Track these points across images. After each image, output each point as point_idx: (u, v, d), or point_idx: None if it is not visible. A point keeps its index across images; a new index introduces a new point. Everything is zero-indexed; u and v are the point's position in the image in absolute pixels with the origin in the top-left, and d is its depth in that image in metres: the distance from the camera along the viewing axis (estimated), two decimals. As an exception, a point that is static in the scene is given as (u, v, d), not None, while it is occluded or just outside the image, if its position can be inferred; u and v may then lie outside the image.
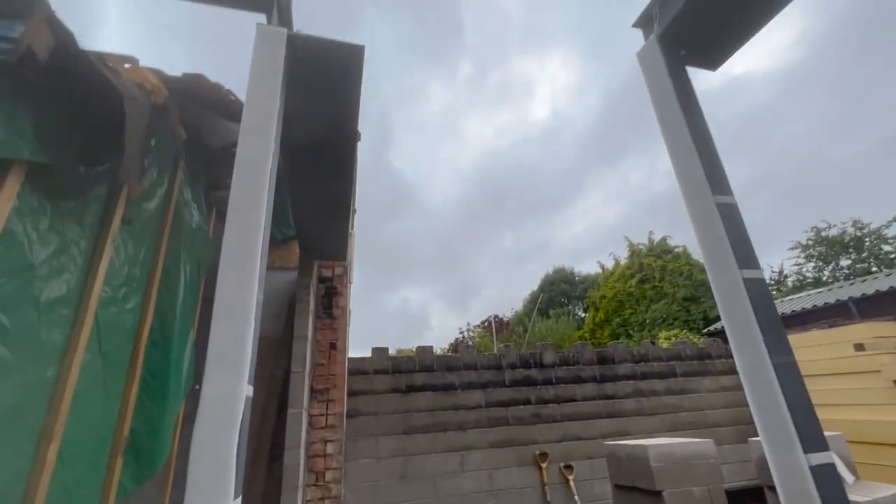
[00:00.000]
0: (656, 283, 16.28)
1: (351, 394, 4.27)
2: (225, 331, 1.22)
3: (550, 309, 26.50)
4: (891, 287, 7.88)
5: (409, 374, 4.49)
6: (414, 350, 4.73)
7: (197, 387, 3.10)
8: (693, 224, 1.66)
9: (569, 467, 4.45)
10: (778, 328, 1.39)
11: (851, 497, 2.36)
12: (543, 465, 4.40)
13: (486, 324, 26.25)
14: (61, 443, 1.58)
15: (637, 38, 2.14)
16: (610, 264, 20.58)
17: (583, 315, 25.89)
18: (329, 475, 3.68)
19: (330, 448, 3.79)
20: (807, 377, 5.09)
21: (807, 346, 4.98)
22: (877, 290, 8.09)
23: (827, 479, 1.19)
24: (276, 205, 1.70)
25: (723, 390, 5.31)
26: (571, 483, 4.38)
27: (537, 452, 4.45)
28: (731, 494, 2.73)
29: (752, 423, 5.22)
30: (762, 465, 2.69)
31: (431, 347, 4.72)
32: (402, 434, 4.23)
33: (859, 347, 3.93)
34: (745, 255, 1.51)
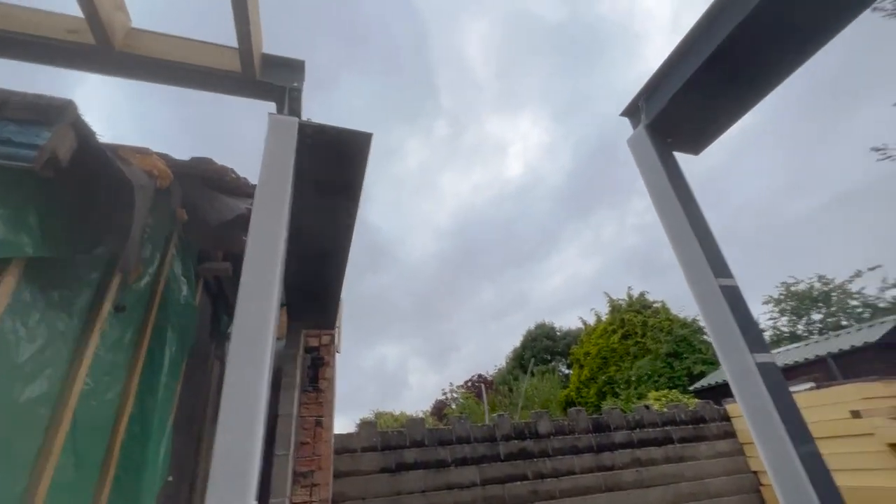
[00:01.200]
0: (639, 339, 16.36)
1: (337, 475, 3.96)
2: (232, 445, 1.12)
3: (534, 365, 26.11)
4: (865, 342, 8.14)
5: (399, 450, 4.22)
6: (396, 415, 4.50)
7: (170, 478, 2.82)
8: (700, 306, 1.70)
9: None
10: (793, 412, 1.38)
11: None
12: (544, 550, 4.09)
13: (469, 384, 25.48)
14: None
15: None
16: (591, 320, 20.71)
17: (567, 371, 25.54)
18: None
19: (314, 542, 3.43)
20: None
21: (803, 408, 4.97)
22: (852, 346, 8.34)
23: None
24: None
25: (719, 456, 5.18)
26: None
27: (537, 536, 4.16)
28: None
29: (754, 491, 5.06)
30: None
31: (422, 420, 4.49)
32: (393, 521, 3.90)
33: (856, 414, 3.95)
34: (754, 337, 1.54)
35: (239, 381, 1.22)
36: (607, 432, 4.95)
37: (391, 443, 4.25)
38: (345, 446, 4.14)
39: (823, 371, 8.81)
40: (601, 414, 5.15)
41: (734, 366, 1.54)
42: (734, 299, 1.64)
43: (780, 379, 1.47)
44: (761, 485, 5.16)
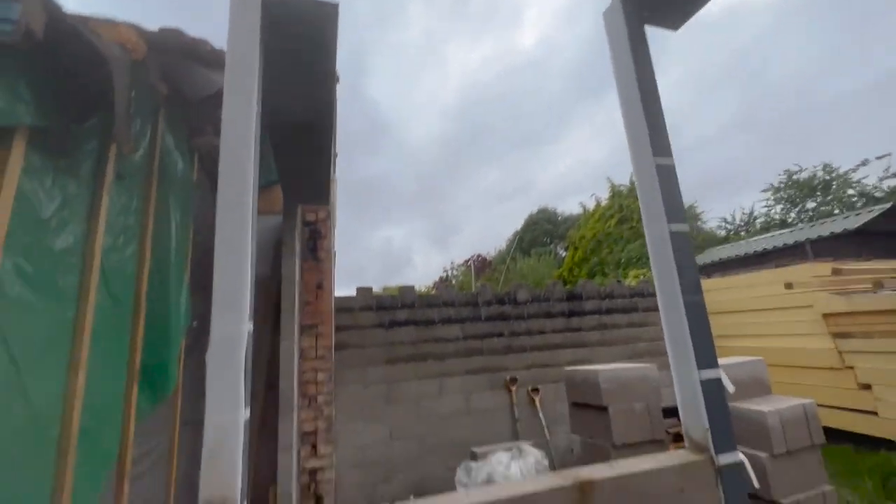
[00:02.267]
0: (634, 224, 16.79)
1: (338, 329, 4.62)
2: (226, 277, 1.43)
3: (533, 248, 27.26)
4: (844, 229, 8.42)
5: (392, 310, 4.84)
6: (397, 289, 5.05)
7: (194, 323, 3.37)
8: (636, 180, 1.88)
9: (535, 390, 5.02)
10: (691, 273, 1.67)
11: (759, 407, 2.85)
12: (513, 389, 4.95)
13: (469, 263, 26.92)
14: (87, 372, 1.83)
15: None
16: (591, 205, 20.99)
17: (563, 254, 26.69)
18: (321, 399, 4.12)
19: (320, 376, 4.20)
20: (754, 311, 5.62)
21: (757, 285, 5.48)
22: (831, 232, 8.65)
23: (712, 388, 1.54)
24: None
25: (678, 323, 5.86)
26: (537, 403, 4.97)
27: (508, 378, 4.98)
28: (668, 411, 3.22)
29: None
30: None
31: (413, 287, 5.04)
32: (387, 364, 4.67)
33: (789, 286, 4.39)
34: (674, 210, 1.75)
35: (227, 237, 1.48)
36: (579, 301, 5.55)
37: (385, 304, 4.85)
38: (345, 306, 4.74)
39: (802, 256, 9.28)
40: (576, 286, 5.70)
41: (653, 233, 1.79)
42: (667, 176, 1.82)
43: (687, 244, 1.73)
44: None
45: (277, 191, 4.70)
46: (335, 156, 5.28)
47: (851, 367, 4.27)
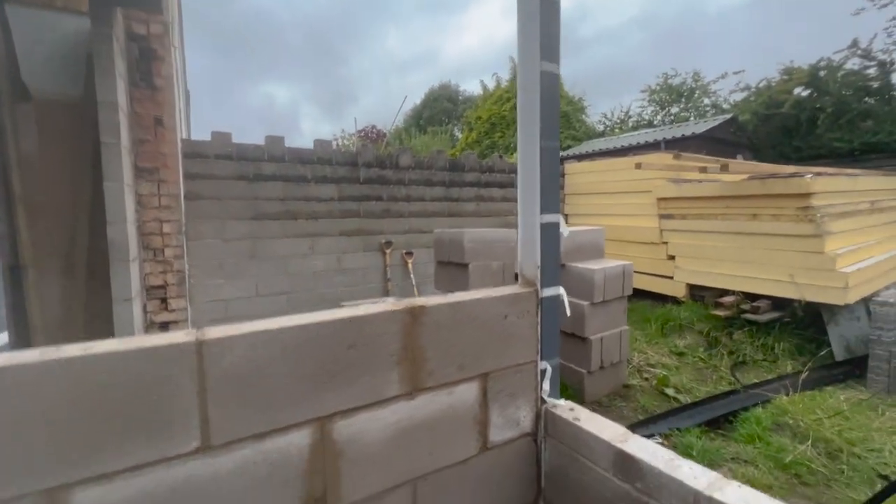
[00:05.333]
0: (527, 110, 17.01)
1: (191, 177, 3.99)
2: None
3: (430, 126, 26.46)
4: (693, 133, 9.70)
5: (257, 162, 4.29)
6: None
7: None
8: (519, 90, 1.68)
9: (409, 254, 5.20)
10: (552, 118, 1.63)
11: (590, 266, 3.34)
12: (388, 252, 5.05)
13: (362, 133, 25.27)
14: None
15: None
16: (492, 85, 20.48)
17: (460, 137, 26.60)
18: (168, 252, 3.68)
19: (167, 227, 3.69)
20: (607, 193, 6.22)
21: (613, 170, 6.09)
22: (682, 134, 9.90)
23: (551, 231, 1.63)
24: None
25: (546, 201, 6.38)
26: (410, 265, 5.20)
27: (383, 241, 5.03)
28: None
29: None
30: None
31: (282, 138, 4.46)
32: (251, 220, 4.28)
33: (638, 166, 4.98)
34: (550, 49, 1.63)
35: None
36: (461, 172, 5.59)
37: (248, 155, 4.26)
38: (197, 151, 4.04)
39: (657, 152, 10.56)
40: (459, 157, 5.67)
41: (525, 75, 1.67)
42: (549, 86, 1.64)
43: (555, 88, 1.66)
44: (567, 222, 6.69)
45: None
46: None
47: (666, 243, 5.23)
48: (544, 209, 1.62)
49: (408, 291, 5.14)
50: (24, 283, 3.02)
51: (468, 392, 1.42)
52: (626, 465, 1.19)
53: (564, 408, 1.54)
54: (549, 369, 1.62)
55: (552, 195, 1.64)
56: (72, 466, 0.73)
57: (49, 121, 3.13)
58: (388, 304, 1.34)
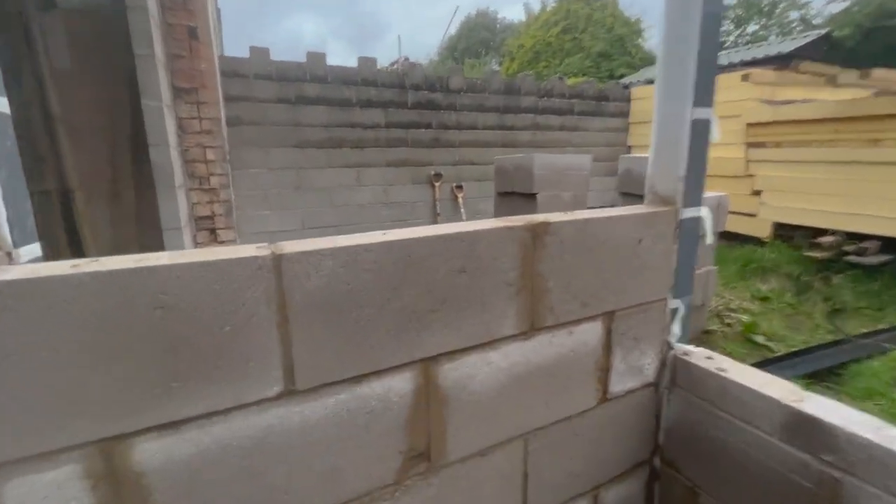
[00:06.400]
0: (577, 34, 15.42)
1: (228, 99, 3.71)
2: None
3: (466, 58, 24.83)
4: (778, 52, 8.38)
5: (299, 83, 3.93)
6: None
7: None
8: None
9: (460, 187, 4.85)
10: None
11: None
12: (437, 185, 4.72)
13: (395, 65, 24.03)
14: None
15: None
16: (537, 7, 18.55)
17: (497, 69, 24.89)
18: (214, 181, 3.51)
19: (211, 154, 3.48)
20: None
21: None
22: (765, 55, 8.59)
23: (701, 131, 1.25)
24: None
25: (608, 131, 5.75)
26: (460, 199, 4.87)
27: (432, 173, 4.69)
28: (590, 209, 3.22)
29: (623, 146, 5.94)
30: (624, 176, 3.15)
31: (324, 54, 4.04)
32: (295, 147, 4.02)
33: (745, 77, 4.29)
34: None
35: None
36: (516, 96, 5.03)
37: (289, 74, 3.90)
38: (234, 70, 3.72)
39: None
40: (515, 78, 5.08)
41: None
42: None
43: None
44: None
45: None
46: None
47: (752, 176, 4.60)
48: (698, 101, 1.22)
49: (456, 228, 4.86)
50: (74, 207, 2.95)
51: (591, 333, 1.14)
52: (807, 430, 0.91)
53: (699, 355, 1.25)
54: (682, 309, 1.32)
55: (707, 82, 1.24)
56: (130, 412, 0.56)
57: (79, 33, 2.87)
58: (503, 220, 1.04)
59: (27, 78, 2.64)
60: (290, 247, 0.72)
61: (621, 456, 1.30)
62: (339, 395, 0.79)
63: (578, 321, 1.10)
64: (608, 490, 1.29)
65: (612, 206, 1.44)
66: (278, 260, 0.70)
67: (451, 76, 4.63)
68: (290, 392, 0.70)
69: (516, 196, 3.27)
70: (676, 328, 1.31)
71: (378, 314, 0.74)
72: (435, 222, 4.76)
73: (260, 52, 3.78)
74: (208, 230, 3.57)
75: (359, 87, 4.16)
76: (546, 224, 1.00)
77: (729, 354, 2.77)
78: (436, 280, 0.80)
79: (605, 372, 1.17)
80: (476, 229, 0.90)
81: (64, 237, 2.92)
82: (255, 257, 0.68)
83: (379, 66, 4.13)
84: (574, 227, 1.02)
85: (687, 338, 1.32)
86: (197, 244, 3.52)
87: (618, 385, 1.21)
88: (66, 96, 2.84)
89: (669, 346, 1.29)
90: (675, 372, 1.28)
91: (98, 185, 3.06)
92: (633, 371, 1.24)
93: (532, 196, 3.09)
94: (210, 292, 0.59)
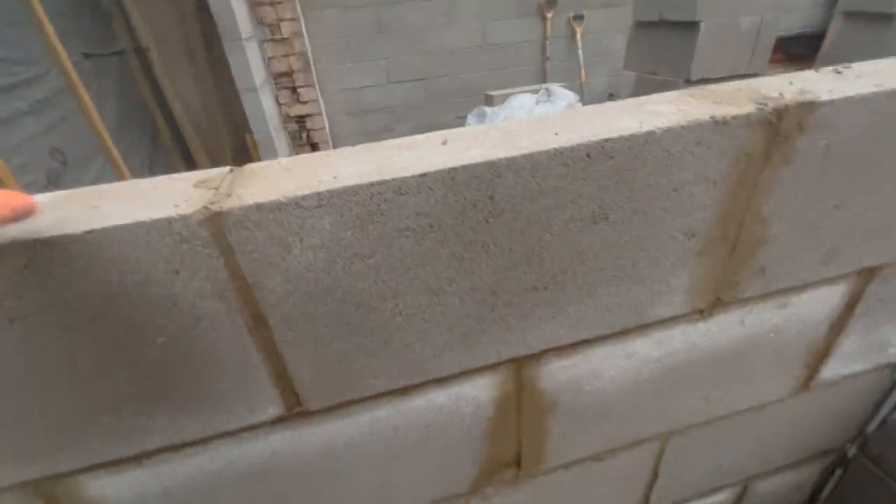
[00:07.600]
0: None
1: (289, -86, 2.97)
2: None
3: None
4: None
5: None
6: None
7: None
8: None
9: (579, 18, 3.73)
10: None
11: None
12: (549, 16, 3.66)
13: None
14: None
15: None
16: None
17: None
18: (286, 29, 3.05)
19: (277, -7, 2.96)
20: None
21: None
22: None
23: None
24: None
25: None
26: (578, 36, 3.79)
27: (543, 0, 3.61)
28: (783, 40, 2.13)
29: None
30: None
31: None
32: (372, -25, 3.26)
33: None
34: None
35: None
36: None
37: None
38: None
39: None
40: None
41: None
42: None
43: None
44: None
45: None
46: None
47: None
48: None
49: (571, 73, 3.90)
50: (153, 66, 2.81)
51: (820, 303, 0.66)
52: None
53: None
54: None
55: None
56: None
57: None
58: (689, 95, 0.52)
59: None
60: (243, 196, 0.35)
61: (801, 446, 0.92)
62: (374, 411, 0.50)
63: (806, 286, 0.62)
64: (765, 480, 0.96)
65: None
66: (217, 225, 0.34)
67: None
68: (297, 414, 0.49)
69: (665, 27, 2.30)
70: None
71: (432, 302, 0.44)
72: (543, 70, 3.85)
73: None
74: (289, 89, 3.27)
75: None
76: (809, 106, 0.46)
77: None
78: (547, 237, 0.44)
79: (821, 354, 0.72)
80: (637, 131, 0.41)
81: (149, 92, 2.83)
82: (169, 220, 0.33)
83: None
84: (868, 111, 0.47)
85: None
86: (280, 105, 3.28)
87: (835, 369, 0.78)
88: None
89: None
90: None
91: (169, 43, 2.83)
92: (870, 350, 0.77)
93: (692, 26, 2.11)
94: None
